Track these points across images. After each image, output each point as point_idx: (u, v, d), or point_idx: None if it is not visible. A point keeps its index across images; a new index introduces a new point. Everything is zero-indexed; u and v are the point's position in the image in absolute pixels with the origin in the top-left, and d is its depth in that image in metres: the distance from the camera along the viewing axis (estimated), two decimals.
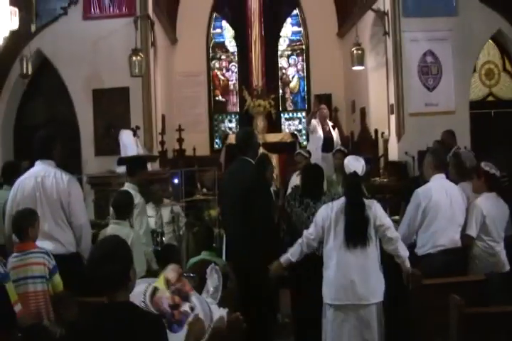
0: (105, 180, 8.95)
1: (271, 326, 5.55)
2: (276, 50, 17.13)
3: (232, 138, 13.01)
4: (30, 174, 5.23)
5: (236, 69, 17.12)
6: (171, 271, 3.55)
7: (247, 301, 5.04)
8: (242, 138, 5.68)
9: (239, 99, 16.75)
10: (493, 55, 13.00)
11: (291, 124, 17.05)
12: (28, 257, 4.47)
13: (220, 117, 17.10)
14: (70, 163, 6.59)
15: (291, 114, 17.20)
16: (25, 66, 10.77)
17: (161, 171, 9.82)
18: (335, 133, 10.50)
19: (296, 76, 17.30)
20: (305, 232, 4.97)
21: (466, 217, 5.45)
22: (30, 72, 10.84)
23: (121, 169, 7.92)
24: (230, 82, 17.17)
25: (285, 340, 6.05)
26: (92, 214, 8.54)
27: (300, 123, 16.88)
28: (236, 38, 17.08)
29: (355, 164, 4.95)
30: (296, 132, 16.26)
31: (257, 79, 15.56)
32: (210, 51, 17.10)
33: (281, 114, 16.97)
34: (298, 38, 17.31)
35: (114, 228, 5.60)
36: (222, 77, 17.19)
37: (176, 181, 9.29)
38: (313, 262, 5.00)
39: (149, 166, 8.71)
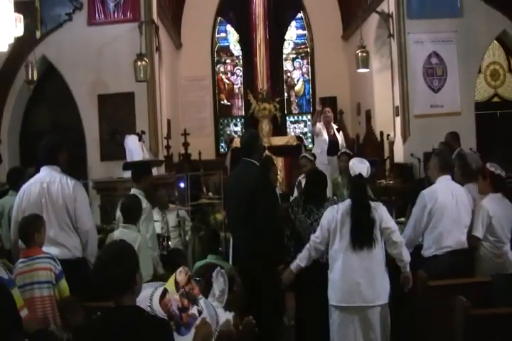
0: (111, 185, 8.97)
1: (277, 328, 5.54)
2: (281, 54, 17.15)
3: (237, 142, 13.01)
4: (35, 180, 5.24)
5: (241, 73, 17.15)
6: (181, 274, 3.56)
7: (253, 304, 5.04)
8: (247, 140, 5.69)
9: (244, 102, 16.77)
10: (498, 56, 13.00)
11: (296, 127, 17.07)
12: (34, 263, 4.48)
13: (226, 121, 17.12)
14: (75, 169, 6.60)
15: (296, 117, 17.20)
16: (30, 72, 10.78)
17: (167, 175, 9.82)
18: (340, 136, 10.48)
19: (301, 79, 17.31)
20: (312, 236, 4.97)
21: (472, 218, 5.45)
22: (35, 78, 10.86)
23: (128, 174, 7.94)
24: (235, 86, 17.20)
25: None
26: (98, 219, 8.56)
27: (305, 126, 16.88)
28: (241, 41, 17.10)
29: (360, 166, 4.96)
30: (301, 135, 16.25)
31: (262, 83, 15.55)
32: (215, 55, 17.13)
33: (287, 117, 16.99)
34: (302, 41, 17.33)
35: (122, 232, 5.61)
36: (227, 81, 17.21)
37: (181, 185, 9.29)
38: (318, 264, 5.01)
39: (155, 171, 8.72)
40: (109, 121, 11.23)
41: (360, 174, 4.88)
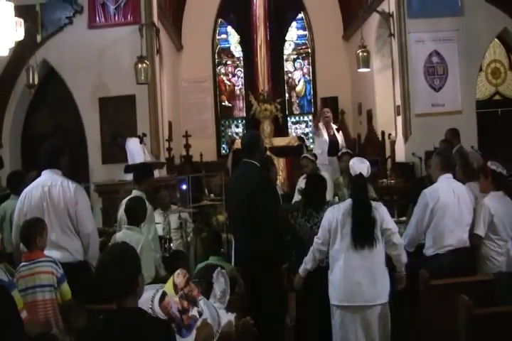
0: (112, 188, 8.97)
1: (280, 329, 5.54)
2: (282, 54, 17.15)
3: (238, 143, 13.00)
4: (37, 183, 5.24)
5: (242, 75, 17.16)
6: (178, 276, 3.57)
7: (255, 304, 5.04)
8: (248, 141, 5.68)
9: (245, 103, 16.77)
10: (499, 54, 12.98)
11: (298, 128, 17.07)
12: (36, 266, 4.48)
13: (227, 122, 17.13)
14: (77, 172, 6.61)
15: (297, 118, 17.20)
16: (31, 76, 10.81)
17: (169, 177, 9.83)
18: (339, 136, 10.48)
19: (302, 79, 17.31)
20: (315, 238, 4.98)
21: (473, 217, 5.44)
22: (36, 82, 10.88)
23: (130, 177, 7.95)
24: (236, 87, 17.21)
25: None
26: (100, 222, 8.57)
27: (307, 126, 16.86)
28: (241, 43, 17.10)
29: (360, 166, 4.96)
30: (302, 135, 16.24)
31: (263, 84, 15.54)
32: (216, 57, 17.15)
33: (288, 118, 16.99)
34: (303, 41, 17.33)
35: (125, 233, 5.62)
36: (228, 83, 17.23)
37: (183, 187, 9.30)
38: (318, 268, 5.02)
39: (156, 173, 8.72)
40: (111, 124, 11.24)
41: (360, 174, 4.88)
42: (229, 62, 17.33)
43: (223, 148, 16.65)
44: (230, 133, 16.90)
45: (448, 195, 5.36)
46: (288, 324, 6.49)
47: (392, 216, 6.03)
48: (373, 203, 4.81)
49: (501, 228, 5.39)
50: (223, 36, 17.30)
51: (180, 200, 8.47)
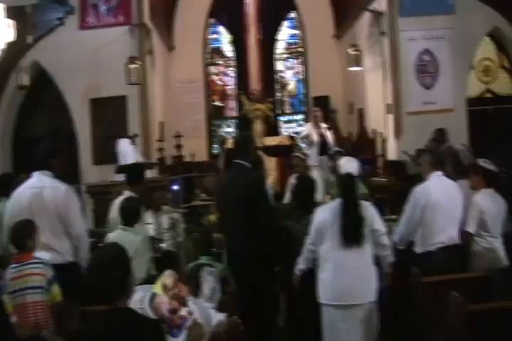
0: (104, 189, 8.92)
1: (272, 329, 5.53)
2: (274, 54, 17.16)
3: (230, 143, 13.00)
4: (27, 185, 5.22)
5: (234, 74, 17.16)
6: (167, 277, 3.58)
7: (249, 304, 5.03)
8: (241, 142, 5.68)
9: (237, 103, 16.77)
10: (490, 52, 13.00)
11: (289, 127, 17.07)
12: (26, 268, 4.45)
13: (219, 122, 17.12)
14: (68, 173, 6.59)
15: (289, 117, 17.20)
16: (22, 77, 10.79)
17: (160, 178, 9.82)
18: (329, 135, 10.51)
19: (294, 79, 17.32)
20: (307, 238, 4.98)
21: (464, 214, 5.45)
22: (27, 84, 10.86)
23: (121, 177, 7.92)
24: (227, 87, 17.22)
25: None
26: (91, 223, 8.54)
27: (298, 126, 16.85)
28: (233, 42, 17.12)
29: (348, 165, 4.98)
30: (294, 135, 16.23)
31: (255, 83, 15.54)
32: (208, 57, 17.15)
33: (280, 117, 17.00)
34: (295, 40, 17.35)
35: (120, 233, 5.59)
36: (219, 82, 17.23)
37: (175, 187, 9.28)
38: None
39: (148, 173, 8.70)
40: (102, 125, 11.24)
41: (349, 173, 4.89)
42: (220, 62, 17.37)
43: (215, 147, 16.61)
44: (221, 133, 16.89)
45: (439, 192, 5.37)
46: (280, 324, 6.49)
47: (384, 214, 6.05)
48: (362, 202, 4.81)
49: (491, 225, 5.42)
50: (215, 36, 17.33)
51: (171, 201, 8.44)
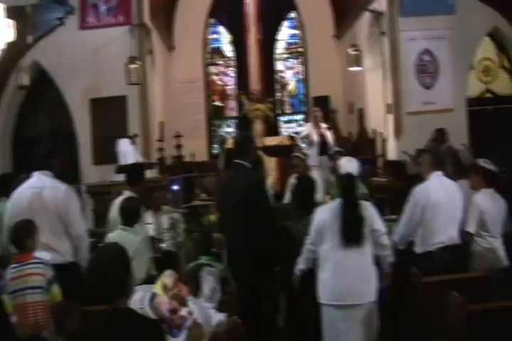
0: (104, 189, 8.92)
1: (272, 329, 5.54)
2: (274, 54, 17.15)
3: (230, 143, 13.00)
4: (27, 185, 5.21)
5: (234, 74, 17.15)
6: (167, 277, 3.58)
7: (249, 304, 5.04)
8: (241, 142, 5.68)
9: (237, 103, 16.77)
10: (490, 52, 13.00)
11: (289, 127, 17.07)
12: (26, 268, 4.45)
13: (219, 122, 17.12)
14: (68, 173, 6.59)
15: (289, 117, 17.20)
16: (22, 77, 10.78)
17: (161, 178, 9.82)
18: (329, 135, 10.52)
19: (294, 79, 17.32)
20: (307, 239, 4.98)
21: (464, 214, 5.45)
22: (27, 84, 10.85)
23: (121, 177, 7.92)
24: (227, 87, 17.22)
25: None
26: (91, 223, 8.54)
27: (298, 125, 16.85)
28: (233, 42, 17.11)
29: (348, 165, 4.98)
30: (294, 135, 16.23)
31: (255, 83, 15.54)
32: (208, 57, 17.15)
33: (280, 117, 17.00)
34: (295, 40, 17.36)
35: (120, 233, 5.59)
36: (219, 82, 17.23)
37: (175, 187, 9.28)
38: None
39: (148, 173, 8.70)
40: (102, 125, 11.24)
41: (349, 173, 4.89)
42: (220, 62, 17.36)
43: (215, 147, 16.61)
44: (221, 133, 16.88)
45: (439, 192, 5.37)
46: (280, 324, 6.50)
47: (384, 214, 6.04)
48: (362, 202, 4.81)
49: (491, 225, 5.42)
50: (215, 36, 17.33)
51: (171, 201, 8.44)
